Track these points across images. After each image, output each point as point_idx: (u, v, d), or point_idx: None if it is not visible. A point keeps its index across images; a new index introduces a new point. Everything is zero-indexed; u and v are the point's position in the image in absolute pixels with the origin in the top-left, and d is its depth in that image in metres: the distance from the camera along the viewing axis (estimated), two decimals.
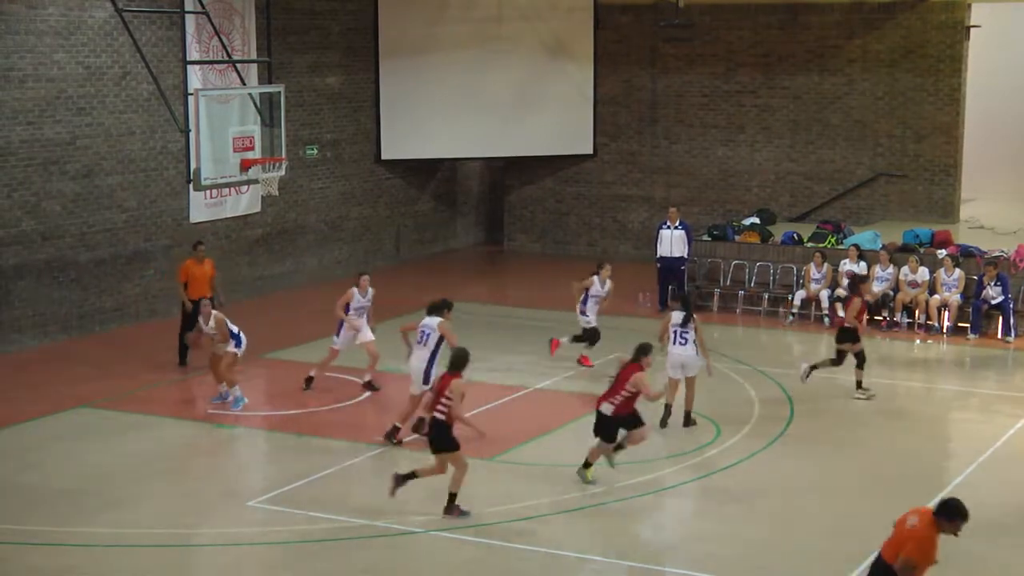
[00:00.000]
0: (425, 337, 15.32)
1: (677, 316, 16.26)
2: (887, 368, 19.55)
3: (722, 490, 14.27)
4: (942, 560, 9.71)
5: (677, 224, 23.20)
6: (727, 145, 27.81)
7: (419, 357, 15.32)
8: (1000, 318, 21.15)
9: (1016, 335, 20.94)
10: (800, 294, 22.49)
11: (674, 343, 16.17)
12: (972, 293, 21.42)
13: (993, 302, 21.02)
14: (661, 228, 23.36)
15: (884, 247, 22.68)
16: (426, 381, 15.11)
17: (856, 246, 22.44)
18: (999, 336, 21.09)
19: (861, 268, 21.78)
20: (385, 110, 27.31)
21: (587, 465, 14.11)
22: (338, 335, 17.78)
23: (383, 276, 26.66)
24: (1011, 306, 21.03)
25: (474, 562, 12.25)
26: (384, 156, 27.55)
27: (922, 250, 22.48)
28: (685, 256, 23.12)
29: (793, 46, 26.93)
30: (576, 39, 28.38)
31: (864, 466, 15.16)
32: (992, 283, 21.03)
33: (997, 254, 21.70)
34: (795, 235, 23.92)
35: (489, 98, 27.94)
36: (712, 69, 27.69)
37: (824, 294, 22.14)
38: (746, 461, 15.06)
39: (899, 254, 22.35)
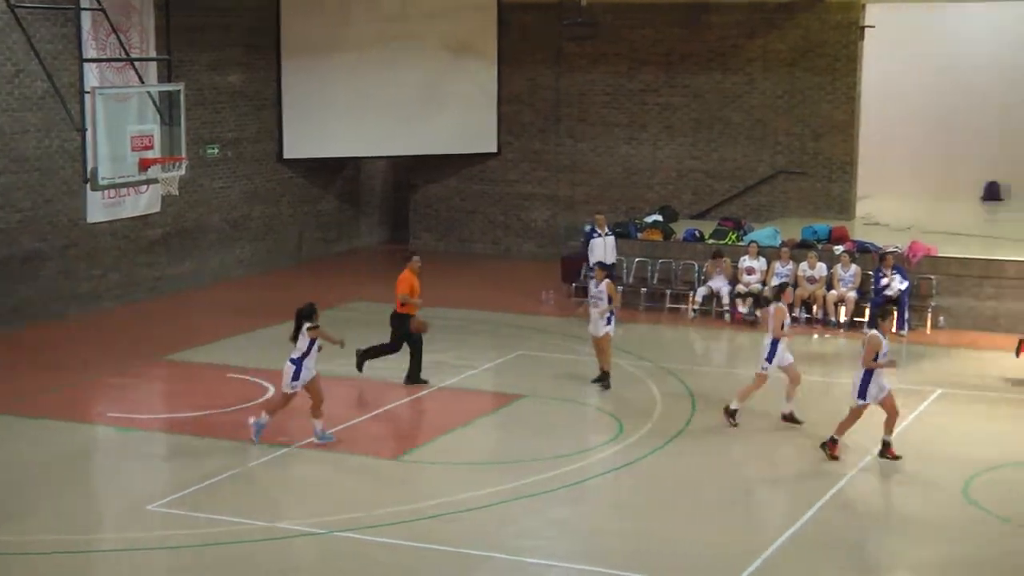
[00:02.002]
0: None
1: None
2: None
3: (624, 486, 14.40)
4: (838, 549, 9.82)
5: (607, 230, 23.18)
6: (630, 143, 28.03)
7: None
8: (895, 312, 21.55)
9: (909, 328, 21.36)
10: (702, 290, 22.76)
11: (595, 307, 17.78)
12: (868, 288, 21.82)
13: (895, 291, 21.33)
14: (593, 236, 23.06)
15: (783, 243, 23.03)
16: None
17: (755, 242, 22.76)
18: (893, 330, 21.48)
19: (786, 273, 22.07)
20: (288, 109, 27.12)
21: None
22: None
23: (286, 276, 26.54)
24: (906, 300, 21.46)
25: (378, 563, 12.23)
26: (287, 155, 27.35)
27: (820, 246, 22.87)
28: (614, 262, 23.09)
29: (695, 45, 27.22)
30: (480, 38, 28.42)
31: (763, 459, 15.38)
32: (891, 271, 21.41)
33: (891, 250, 22.13)
34: (696, 232, 24.19)
35: (393, 97, 27.86)
36: (615, 68, 27.89)
37: (725, 290, 22.43)
38: (648, 457, 15.20)
39: (798, 250, 22.71)
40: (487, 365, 19.36)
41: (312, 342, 15.16)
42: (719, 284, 22.54)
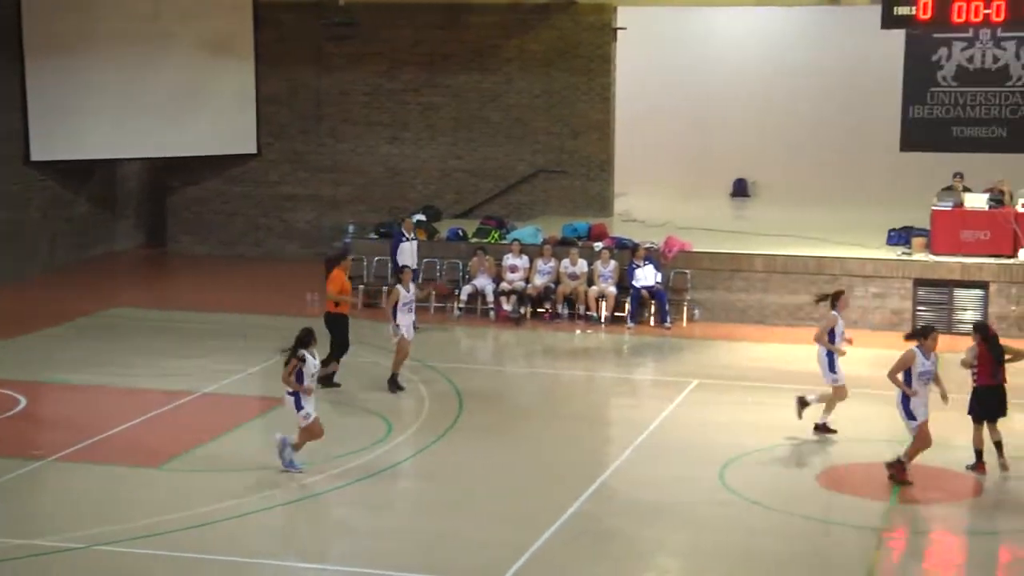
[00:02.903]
0: None
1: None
2: (552, 359, 20.23)
3: (394, 486, 14.41)
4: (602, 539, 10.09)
5: (413, 234, 22.79)
6: (392, 143, 28.05)
7: None
8: (654, 305, 22.24)
9: (671, 322, 22.06)
10: (467, 289, 22.96)
11: (410, 312, 17.83)
12: (627, 283, 22.43)
13: (643, 284, 21.96)
14: (401, 240, 22.14)
15: (545, 241, 23.45)
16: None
17: (518, 241, 23.11)
18: (654, 324, 22.17)
19: (548, 271, 22.40)
20: (34, 109, 26.02)
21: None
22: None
23: (37, 282, 25.49)
24: (665, 294, 22.15)
25: (143, 573, 11.89)
26: (34, 157, 26.25)
27: (580, 243, 23.38)
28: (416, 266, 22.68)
29: (454, 45, 27.43)
30: (237, 37, 27.93)
31: (530, 454, 15.63)
32: (643, 262, 22.05)
33: (648, 245, 22.79)
34: (460, 231, 24.40)
35: (148, 97, 27.10)
36: (376, 68, 27.85)
37: (489, 288, 22.68)
38: (417, 456, 15.26)
39: (559, 247, 23.16)
40: (252, 369, 19.05)
41: (298, 373, 14.21)
42: (483, 282, 22.79)
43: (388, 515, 13.58)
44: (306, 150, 28.45)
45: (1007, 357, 14.67)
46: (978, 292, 21.34)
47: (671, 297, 22.30)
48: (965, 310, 21.36)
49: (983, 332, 14.70)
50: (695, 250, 22.84)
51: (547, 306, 22.60)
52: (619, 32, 26.83)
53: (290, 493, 13.80)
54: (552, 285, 22.67)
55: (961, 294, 21.48)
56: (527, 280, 22.62)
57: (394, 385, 17.81)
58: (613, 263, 22.51)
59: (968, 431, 14.69)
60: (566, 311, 22.48)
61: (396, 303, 17.62)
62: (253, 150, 28.44)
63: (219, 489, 13.94)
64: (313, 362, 14.37)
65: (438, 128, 27.78)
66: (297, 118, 28.36)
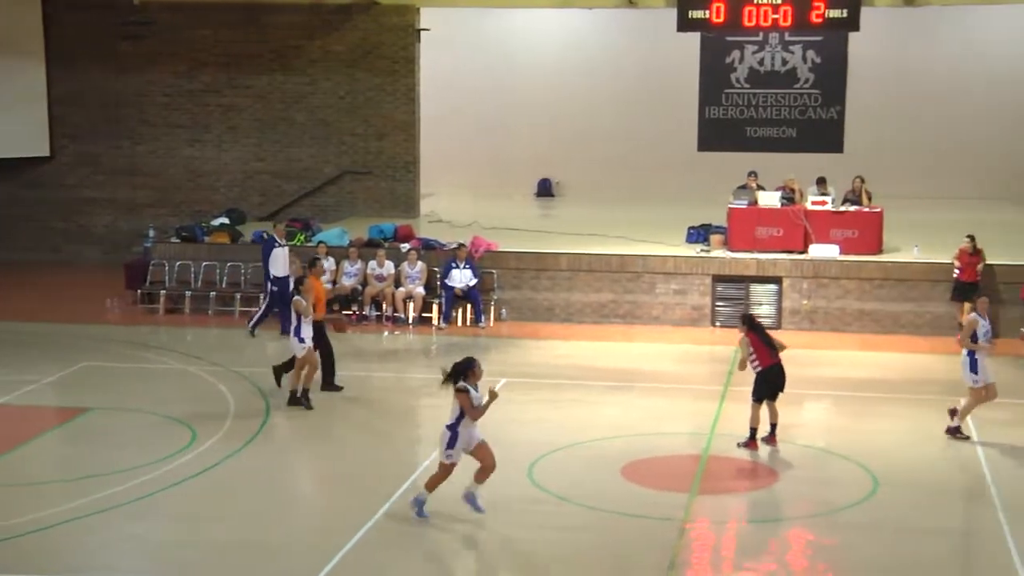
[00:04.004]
0: None
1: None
2: (361, 361, 20.13)
3: (198, 494, 14.12)
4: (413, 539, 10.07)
5: (284, 240, 22.29)
6: (193, 145, 27.53)
7: None
8: (469, 306, 22.37)
9: (483, 321, 22.20)
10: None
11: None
12: (436, 284, 22.50)
13: (459, 284, 22.07)
14: (274, 246, 21.58)
15: (352, 243, 23.35)
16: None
17: (324, 243, 22.94)
18: (469, 324, 22.28)
19: (355, 272, 22.29)
20: None
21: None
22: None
23: None
24: (479, 295, 22.28)
25: None
26: None
27: (387, 244, 23.35)
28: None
29: (256, 46, 27.07)
30: (24, 36, 26.97)
31: (339, 458, 15.55)
32: (463, 264, 22.16)
33: (455, 246, 22.91)
34: (264, 234, 24.05)
35: None
36: (175, 68, 27.30)
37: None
38: (223, 463, 15.01)
39: (366, 249, 23.08)
40: (48, 379, 18.46)
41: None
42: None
43: (188, 526, 13.29)
44: (103, 152, 27.70)
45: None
46: (772, 287, 22.10)
47: (486, 298, 22.44)
48: (761, 304, 22.10)
49: (749, 322, 15.59)
50: (501, 250, 23.06)
51: (354, 308, 22.51)
52: (423, 33, 26.89)
53: (88, 505, 13.40)
54: (359, 287, 22.58)
55: (757, 289, 22.20)
56: (334, 282, 22.47)
57: (306, 400, 17.06)
58: (420, 264, 22.55)
59: (792, 415, 15.50)
60: (373, 313, 22.42)
61: (300, 315, 16.89)
62: (46, 152, 27.52)
63: (12, 504, 13.46)
64: (475, 394, 13.00)
65: (241, 130, 27.38)
66: (93, 120, 27.58)
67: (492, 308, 22.53)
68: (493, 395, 12.92)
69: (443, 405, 17.91)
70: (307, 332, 16.98)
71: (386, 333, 21.95)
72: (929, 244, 22.23)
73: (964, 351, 15.85)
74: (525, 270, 22.74)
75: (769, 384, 15.37)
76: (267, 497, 14.03)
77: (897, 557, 12.41)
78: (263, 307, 21.50)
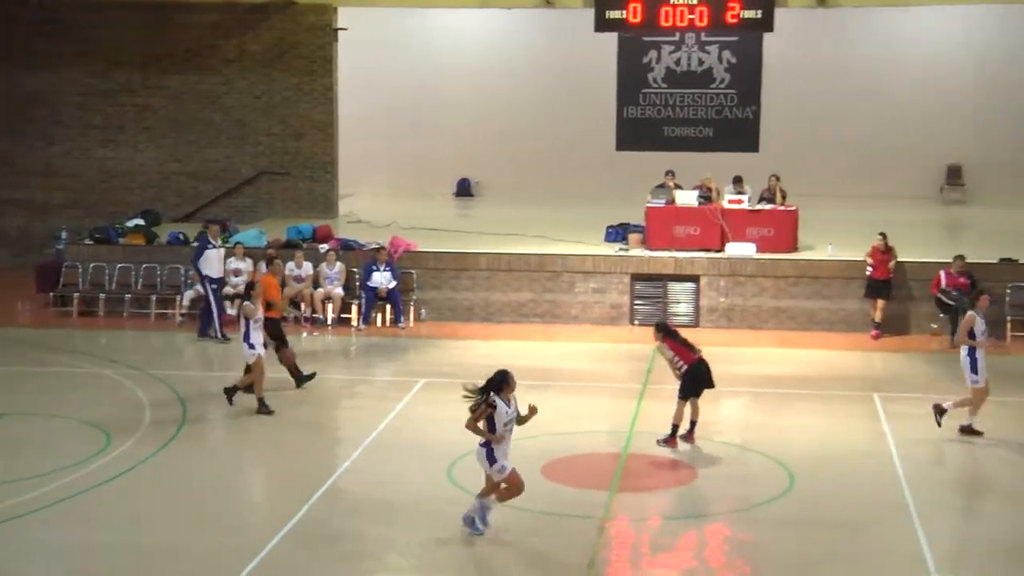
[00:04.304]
0: None
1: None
2: (278, 362, 19.96)
3: (114, 499, 13.94)
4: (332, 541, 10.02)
5: (219, 241, 21.94)
6: (107, 146, 27.18)
7: None
8: (388, 306, 22.30)
9: (402, 322, 22.14)
10: (189, 294, 22.46)
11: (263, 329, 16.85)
12: (357, 284, 22.40)
13: (380, 285, 22.01)
14: (207, 247, 21.37)
15: (269, 244, 23.17)
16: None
17: (241, 244, 22.76)
18: (389, 324, 22.21)
19: (305, 270, 22.15)
20: None
21: None
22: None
23: None
24: (399, 295, 22.21)
25: None
26: None
27: (305, 245, 23.20)
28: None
29: (170, 45, 26.79)
30: None
31: (256, 460, 15.44)
32: (384, 267, 22.08)
33: (375, 246, 22.83)
34: (181, 235, 23.83)
35: None
36: (89, 68, 26.92)
37: (188, 295, 22.30)
38: (137, 467, 14.81)
39: (284, 250, 22.93)
40: None
41: (489, 421, 12.45)
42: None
43: (102, 531, 13.07)
44: (14, 152, 27.23)
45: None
46: (690, 285, 22.28)
47: (405, 298, 22.38)
48: (679, 303, 22.27)
49: (664, 330, 15.65)
50: (420, 250, 23.03)
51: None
52: (340, 32, 26.76)
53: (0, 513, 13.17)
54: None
55: (675, 287, 22.36)
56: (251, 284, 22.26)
57: (264, 407, 16.70)
58: (339, 264, 22.43)
59: (710, 412, 15.77)
60: (292, 313, 22.25)
61: (249, 320, 16.57)
62: None
63: None
64: (506, 409, 12.47)
65: (156, 130, 27.07)
66: (5, 120, 27.09)
67: (412, 308, 22.48)
68: (533, 410, 12.62)
69: (363, 406, 17.91)
70: (256, 338, 16.70)
71: (304, 334, 21.79)
72: (843, 242, 22.54)
73: (963, 351, 15.77)
74: (445, 270, 22.72)
75: (697, 381, 15.44)
76: (184, 501, 13.87)
77: (812, 551, 12.57)
78: (213, 309, 21.16)
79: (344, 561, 12.28)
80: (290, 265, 22.42)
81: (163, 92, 26.93)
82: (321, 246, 23.05)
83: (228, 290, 22.20)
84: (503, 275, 22.57)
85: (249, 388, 16.79)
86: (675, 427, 15.44)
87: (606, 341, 21.29)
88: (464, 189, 30.54)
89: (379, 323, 22.29)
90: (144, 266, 23.16)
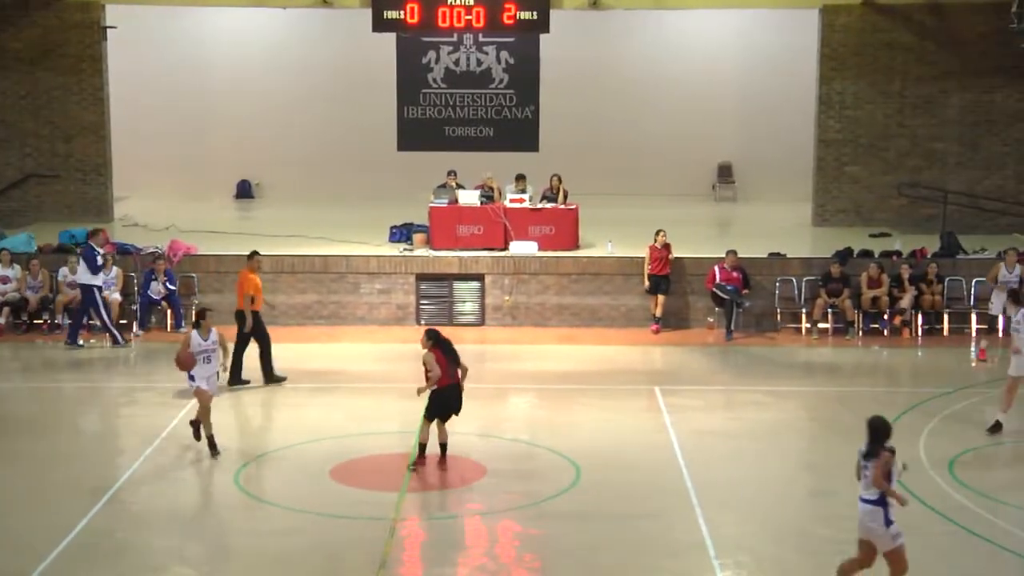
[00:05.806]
0: None
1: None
2: (53, 371, 19.30)
3: None
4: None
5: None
6: None
7: None
8: (170, 311, 21.75)
9: (184, 326, 21.58)
10: None
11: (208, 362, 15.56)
12: (135, 290, 21.78)
13: (158, 294, 21.49)
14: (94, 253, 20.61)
15: (40, 249, 22.35)
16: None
17: (7, 250, 21.91)
18: (168, 329, 21.66)
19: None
20: None
21: None
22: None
23: None
24: (179, 300, 21.67)
25: None
26: None
27: (79, 250, 22.39)
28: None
29: None
30: None
31: (31, 473, 14.81)
32: (163, 275, 21.52)
33: (152, 250, 22.25)
34: None
35: None
36: None
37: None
38: None
39: (57, 255, 22.13)
40: None
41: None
42: None
43: None
44: None
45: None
46: (475, 284, 22.45)
47: (186, 303, 21.85)
48: (464, 302, 22.42)
49: (435, 337, 14.82)
50: (200, 253, 22.55)
51: (45, 317, 21.56)
52: (109, 31, 25.93)
53: None
54: (50, 295, 21.61)
55: (460, 287, 22.50)
56: (18, 291, 21.43)
57: (213, 448, 15.36)
58: (116, 269, 21.77)
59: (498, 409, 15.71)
60: (66, 321, 21.48)
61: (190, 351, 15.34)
62: None
63: None
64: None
65: None
66: None
67: (192, 313, 21.96)
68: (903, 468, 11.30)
69: (144, 415, 17.40)
70: (200, 371, 15.38)
71: (81, 342, 21.05)
72: (622, 240, 23.07)
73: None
74: (226, 273, 22.26)
75: (443, 406, 14.81)
76: None
77: (599, 542, 12.83)
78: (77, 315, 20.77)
79: (132, 574, 11.94)
80: (63, 271, 21.64)
81: None
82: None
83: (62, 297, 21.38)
84: (287, 277, 22.30)
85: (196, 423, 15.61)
86: (422, 446, 14.92)
87: (393, 341, 21.27)
88: (244, 191, 30.00)
89: (161, 328, 21.73)
90: None
